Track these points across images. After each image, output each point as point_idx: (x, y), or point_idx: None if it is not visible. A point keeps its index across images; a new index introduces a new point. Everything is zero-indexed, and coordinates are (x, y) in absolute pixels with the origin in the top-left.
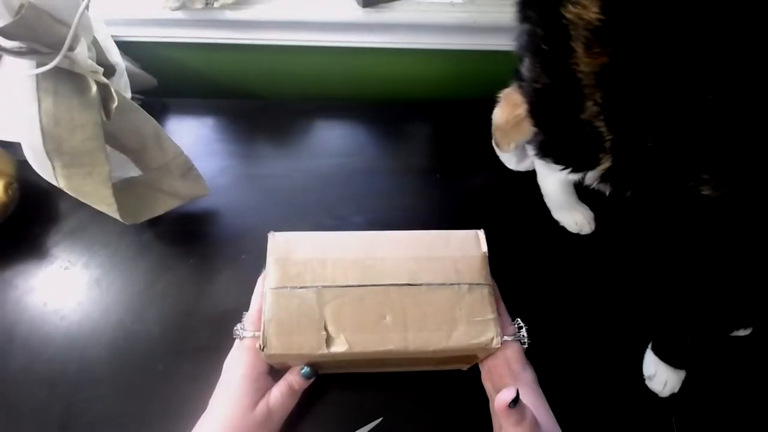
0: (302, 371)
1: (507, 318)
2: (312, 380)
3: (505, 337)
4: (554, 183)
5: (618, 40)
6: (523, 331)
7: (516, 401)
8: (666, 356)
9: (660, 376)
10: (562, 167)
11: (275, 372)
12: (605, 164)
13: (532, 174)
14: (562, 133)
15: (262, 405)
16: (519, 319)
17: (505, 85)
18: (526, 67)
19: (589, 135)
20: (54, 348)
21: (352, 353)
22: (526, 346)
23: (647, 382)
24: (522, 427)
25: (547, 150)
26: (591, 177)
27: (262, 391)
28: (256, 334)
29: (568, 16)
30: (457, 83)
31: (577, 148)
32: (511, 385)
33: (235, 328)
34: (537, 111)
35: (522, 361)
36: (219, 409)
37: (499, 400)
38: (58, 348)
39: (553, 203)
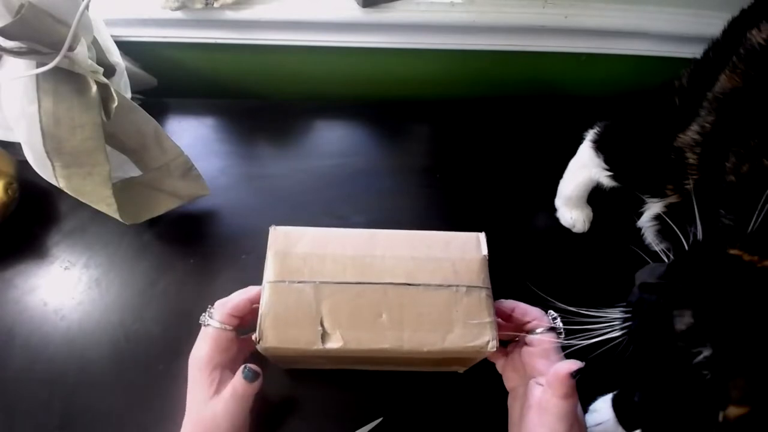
0: (243, 373)
1: (537, 310)
2: (256, 384)
3: (540, 329)
4: (584, 178)
5: (757, 67)
6: (558, 321)
7: (578, 373)
8: (620, 413)
9: (601, 414)
10: (612, 173)
11: (237, 364)
12: (671, 199)
13: (530, 174)
14: (645, 147)
15: (209, 407)
16: (552, 311)
17: (503, 86)
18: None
19: (671, 164)
20: (54, 348)
21: (346, 350)
22: (562, 335)
23: (587, 415)
24: (568, 402)
25: (614, 154)
26: (646, 217)
27: (218, 384)
28: (219, 325)
29: (748, 35)
30: (456, 83)
31: (651, 170)
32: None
33: (203, 315)
34: (639, 114)
35: (560, 351)
36: (188, 404)
37: (562, 367)
38: (58, 348)
39: (566, 194)
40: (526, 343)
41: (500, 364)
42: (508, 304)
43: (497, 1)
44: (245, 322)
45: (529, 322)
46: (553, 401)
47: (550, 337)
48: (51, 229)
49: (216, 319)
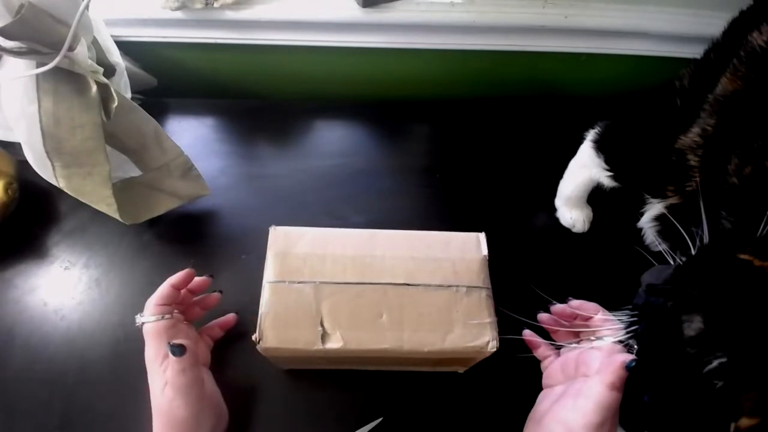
0: (169, 351)
1: (617, 321)
2: (186, 356)
3: (613, 338)
4: (584, 178)
5: (758, 70)
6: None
7: (632, 364)
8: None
9: None
10: (613, 173)
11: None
12: (671, 201)
13: (530, 174)
14: (646, 148)
15: (164, 395)
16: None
17: (503, 86)
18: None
19: (672, 165)
20: (54, 348)
21: (346, 350)
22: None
23: None
24: (612, 394)
25: (615, 154)
26: (646, 218)
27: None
28: (152, 319)
29: (749, 38)
30: (456, 83)
31: (652, 171)
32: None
33: (136, 317)
34: (640, 115)
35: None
36: (152, 404)
37: (619, 357)
38: (58, 348)
39: (566, 194)
40: (591, 346)
41: (547, 362)
42: (593, 306)
43: (497, 1)
44: (192, 314)
45: (604, 328)
46: (597, 388)
47: (620, 347)
48: (51, 229)
49: (147, 315)
